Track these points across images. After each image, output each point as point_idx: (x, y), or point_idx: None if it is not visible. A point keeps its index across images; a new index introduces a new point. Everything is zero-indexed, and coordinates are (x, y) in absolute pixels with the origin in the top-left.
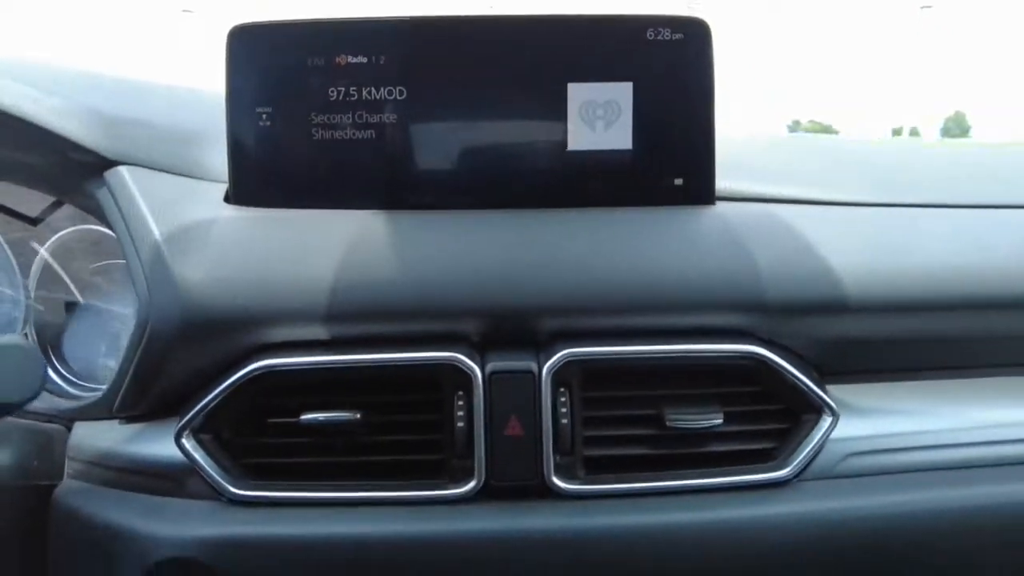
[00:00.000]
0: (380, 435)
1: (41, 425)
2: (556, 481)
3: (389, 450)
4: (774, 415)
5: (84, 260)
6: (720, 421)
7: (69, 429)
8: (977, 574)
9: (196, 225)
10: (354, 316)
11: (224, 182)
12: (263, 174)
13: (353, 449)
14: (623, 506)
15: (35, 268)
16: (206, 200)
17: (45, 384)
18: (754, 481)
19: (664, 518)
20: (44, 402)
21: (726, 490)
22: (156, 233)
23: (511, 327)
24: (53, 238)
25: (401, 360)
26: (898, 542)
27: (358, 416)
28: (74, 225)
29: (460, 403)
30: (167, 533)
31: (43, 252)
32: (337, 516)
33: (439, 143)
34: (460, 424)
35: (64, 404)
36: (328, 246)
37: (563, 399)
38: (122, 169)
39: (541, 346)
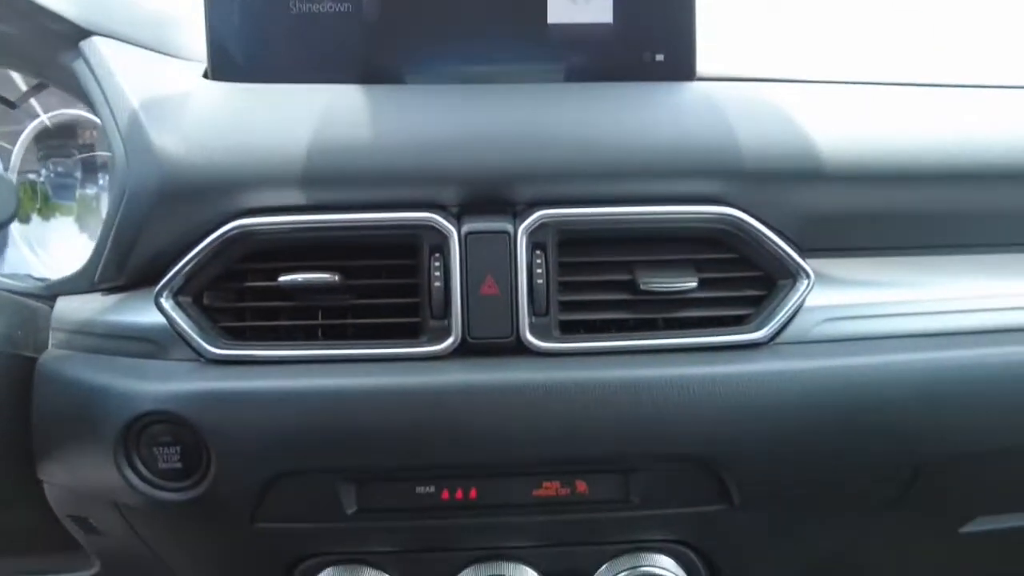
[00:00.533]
0: (358, 298)
1: (25, 300)
2: (531, 339)
3: (367, 313)
4: (750, 282)
5: (64, 147)
6: (694, 285)
7: (51, 306)
8: (947, 434)
9: (174, 95)
10: (331, 181)
11: (201, 62)
12: (241, 48)
13: (331, 313)
14: (596, 362)
15: (16, 150)
16: (184, 74)
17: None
18: (729, 342)
19: (637, 372)
20: (26, 283)
21: (700, 351)
22: (133, 100)
23: (487, 194)
24: (33, 122)
25: (378, 221)
26: (872, 401)
27: (336, 278)
28: (57, 110)
29: (436, 264)
30: (146, 389)
31: (25, 134)
32: (316, 371)
33: (417, 17)
34: (437, 284)
35: (45, 283)
36: (306, 115)
37: (539, 261)
38: (97, 40)
39: (518, 212)
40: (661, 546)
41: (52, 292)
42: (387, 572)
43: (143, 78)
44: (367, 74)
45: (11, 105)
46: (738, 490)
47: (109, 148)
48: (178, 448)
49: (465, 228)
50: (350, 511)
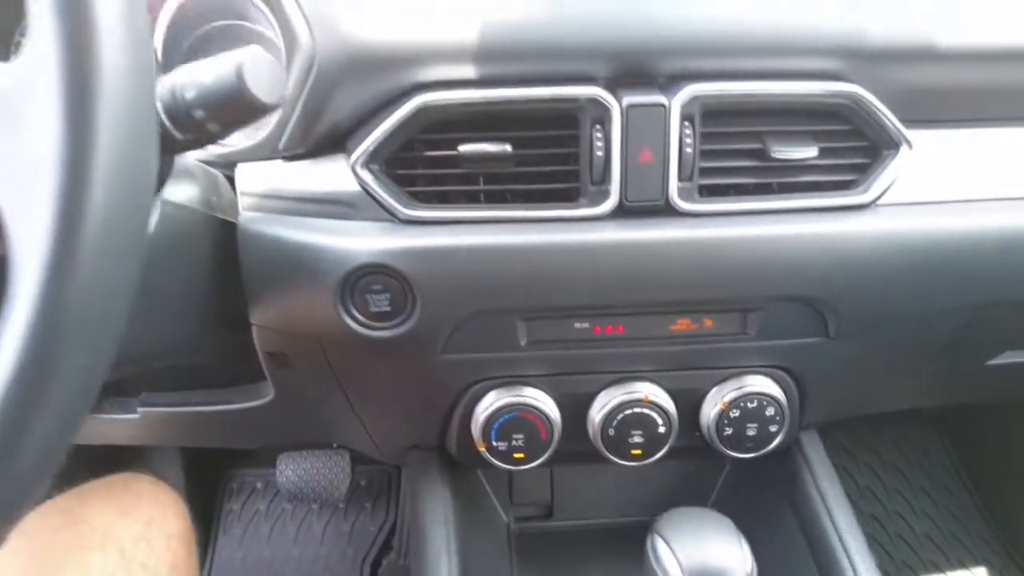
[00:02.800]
0: (518, 166)
1: (209, 168)
2: (679, 202)
3: (529, 179)
4: (859, 151)
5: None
6: (815, 153)
7: (229, 174)
8: (1002, 283)
9: None
10: (500, 56)
11: None
12: None
13: (500, 178)
14: (730, 221)
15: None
16: None
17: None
18: (839, 204)
19: (764, 230)
20: (205, 152)
21: (818, 211)
22: None
23: (635, 67)
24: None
25: (547, 96)
26: (950, 255)
27: (508, 148)
28: None
29: (598, 134)
30: (360, 246)
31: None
32: (498, 230)
33: None
34: (599, 153)
35: (224, 149)
36: None
37: (687, 131)
38: None
39: (664, 85)
40: (763, 370)
41: (231, 160)
42: (542, 390)
43: None
44: None
45: None
46: (835, 324)
47: (281, 24)
48: (387, 295)
49: (626, 101)
50: (523, 343)
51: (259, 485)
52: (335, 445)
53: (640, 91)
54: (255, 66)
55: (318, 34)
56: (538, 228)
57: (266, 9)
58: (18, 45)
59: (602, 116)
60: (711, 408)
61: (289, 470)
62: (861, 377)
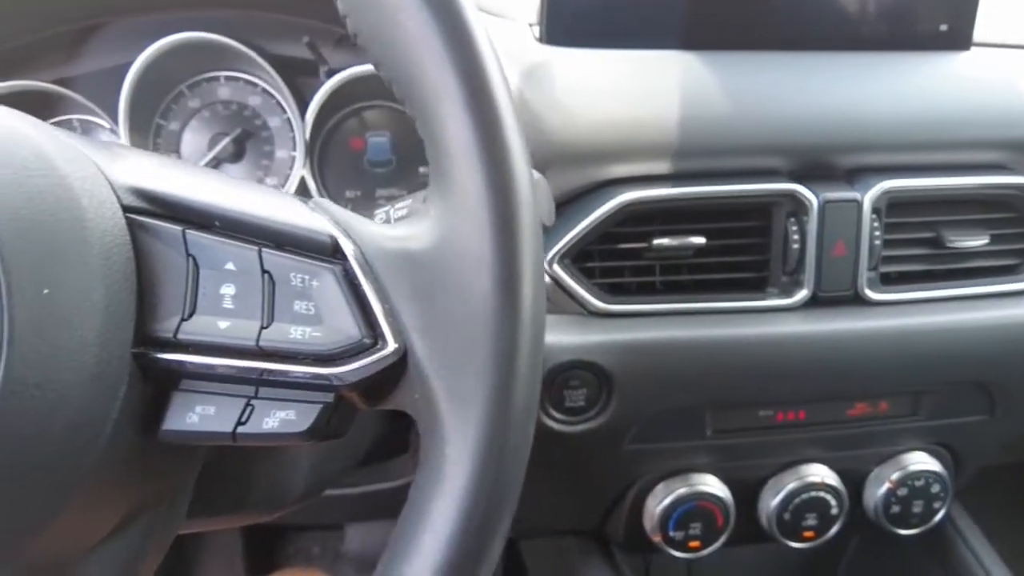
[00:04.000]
0: (707, 256)
1: None
2: (868, 292)
3: (715, 269)
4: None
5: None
6: (987, 241)
7: None
8: None
9: (525, 60)
10: (693, 152)
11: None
12: (577, 13)
13: (679, 269)
14: (915, 309)
15: (313, 108)
16: (521, 38)
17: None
18: (1013, 290)
19: (947, 318)
20: None
21: (989, 297)
22: (512, 74)
23: (821, 162)
24: (333, 78)
25: (746, 191)
26: None
27: (702, 240)
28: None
29: (794, 227)
30: (563, 341)
31: (323, 90)
32: (692, 322)
33: None
34: (795, 245)
35: None
36: (661, 86)
37: (875, 224)
38: None
39: (847, 179)
40: (925, 448)
41: None
42: (718, 477)
43: (502, 50)
44: (690, 40)
45: (323, 61)
46: (1004, 405)
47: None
48: (584, 390)
49: (822, 197)
50: (709, 432)
51: (316, 550)
52: None
53: (833, 186)
54: (539, 190)
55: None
56: (732, 320)
57: None
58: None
59: (797, 209)
60: (877, 488)
61: (358, 538)
62: (1015, 451)
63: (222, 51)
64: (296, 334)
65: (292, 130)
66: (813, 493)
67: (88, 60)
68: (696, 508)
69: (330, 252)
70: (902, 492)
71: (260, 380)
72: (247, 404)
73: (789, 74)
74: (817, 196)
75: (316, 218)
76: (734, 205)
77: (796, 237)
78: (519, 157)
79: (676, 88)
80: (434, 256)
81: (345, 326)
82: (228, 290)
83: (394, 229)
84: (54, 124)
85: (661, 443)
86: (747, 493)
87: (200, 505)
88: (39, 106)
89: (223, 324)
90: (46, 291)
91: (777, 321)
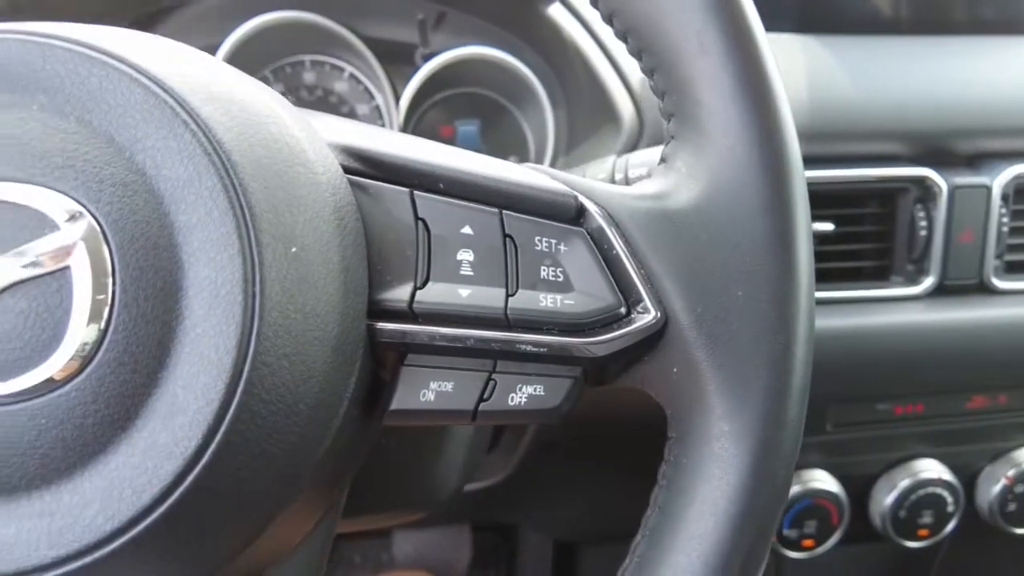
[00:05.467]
0: (838, 244)
1: None
2: (995, 281)
3: (843, 258)
4: None
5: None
6: None
7: None
8: None
9: None
10: (815, 136)
11: None
12: None
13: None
14: None
15: (407, 95)
16: None
17: None
18: None
19: None
20: None
21: None
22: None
23: (943, 147)
24: (431, 63)
25: (878, 176)
26: None
27: (831, 226)
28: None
29: (921, 214)
30: None
31: (419, 76)
32: (821, 312)
33: None
34: (923, 232)
35: None
36: (784, 69)
37: (1003, 210)
38: None
39: (972, 164)
40: None
41: None
42: (831, 474)
43: None
44: (811, 23)
45: (426, 42)
46: None
47: (611, 102)
48: None
49: (952, 182)
50: (828, 427)
51: (357, 559)
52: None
53: (960, 172)
54: None
55: (647, 114)
56: (855, 310)
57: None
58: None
59: (925, 195)
60: (991, 485)
61: (408, 544)
62: None
63: (311, 33)
64: (546, 302)
65: (381, 117)
66: (929, 489)
67: (177, 39)
68: (812, 505)
69: (575, 215)
70: (1020, 489)
71: (501, 352)
72: (488, 378)
73: (912, 58)
74: (947, 181)
75: (552, 180)
76: (859, 191)
77: (924, 224)
78: (785, 105)
79: (800, 71)
80: (697, 213)
81: (598, 293)
82: (466, 255)
83: (640, 188)
84: None
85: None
86: (858, 490)
87: (350, 503)
88: None
89: (464, 292)
90: (294, 249)
91: (901, 310)
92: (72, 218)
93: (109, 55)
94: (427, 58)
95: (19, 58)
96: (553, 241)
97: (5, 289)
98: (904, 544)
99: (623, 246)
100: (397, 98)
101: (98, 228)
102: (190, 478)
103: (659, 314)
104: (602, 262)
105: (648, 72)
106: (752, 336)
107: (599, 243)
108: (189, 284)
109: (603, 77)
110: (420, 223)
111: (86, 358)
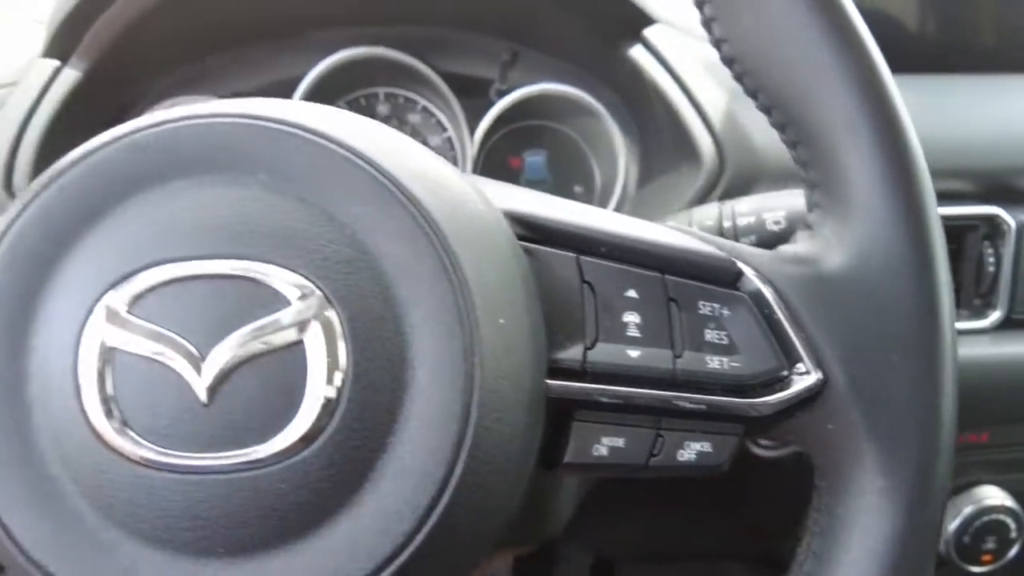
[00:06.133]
0: None
1: None
2: None
3: None
4: None
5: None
6: None
7: None
8: None
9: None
10: None
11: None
12: None
13: None
14: None
15: (480, 131)
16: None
17: None
18: None
19: None
20: None
21: None
22: (714, 88)
23: (1010, 184)
24: (505, 99)
25: (950, 215)
26: None
27: None
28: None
29: (990, 250)
30: None
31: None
32: None
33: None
34: (991, 268)
35: None
36: None
37: None
38: (660, 26)
39: None
40: None
41: None
42: None
43: (704, 65)
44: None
45: (504, 79)
46: None
47: (687, 134)
48: None
49: (1021, 220)
50: None
51: None
52: None
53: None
54: None
55: (728, 147)
56: None
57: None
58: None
59: (993, 232)
60: None
61: None
62: None
63: (388, 68)
64: (713, 364)
65: (453, 148)
66: (993, 516)
67: (258, 75)
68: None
69: (733, 279)
70: None
71: (667, 410)
72: (657, 435)
73: (979, 96)
74: (1015, 219)
75: (704, 243)
76: None
77: (992, 260)
78: (928, 182)
79: None
80: (849, 279)
81: (762, 355)
82: (632, 318)
83: (787, 252)
84: None
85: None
86: None
87: None
88: None
89: (633, 353)
90: (501, 320)
91: (968, 343)
92: (303, 295)
93: (324, 136)
94: (501, 93)
95: (241, 139)
96: (716, 305)
97: (245, 362)
98: (968, 569)
99: (782, 309)
100: (471, 131)
101: (327, 303)
102: (418, 538)
103: (820, 376)
104: (764, 325)
105: (791, 144)
106: (906, 397)
107: (760, 306)
108: (413, 355)
109: (684, 117)
110: (586, 286)
111: (322, 426)
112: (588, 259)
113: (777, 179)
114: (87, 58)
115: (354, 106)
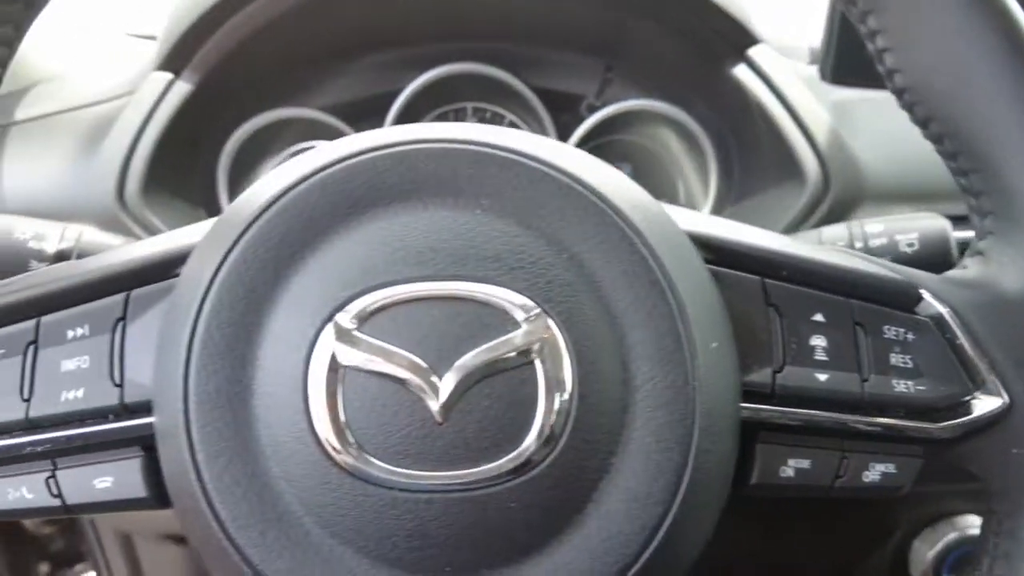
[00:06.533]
0: None
1: None
2: None
3: None
4: None
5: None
6: None
7: None
8: None
9: (844, 101)
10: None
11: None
12: (861, 54)
13: None
14: None
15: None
16: (812, 76)
17: None
18: None
19: None
20: None
21: None
22: (815, 108)
23: None
24: (596, 115)
25: None
26: None
27: None
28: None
29: None
30: None
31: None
32: None
33: None
34: None
35: None
36: None
37: None
38: (762, 47)
39: None
40: None
41: None
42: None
43: (807, 84)
44: None
45: (599, 95)
46: None
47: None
48: None
49: None
50: None
51: None
52: None
53: None
54: None
55: (832, 166)
56: None
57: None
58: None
59: None
60: None
61: None
62: None
63: (476, 82)
64: (900, 387)
65: None
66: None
67: (353, 89)
68: (972, 552)
69: (914, 303)
70: None
71: (850, 432)
72: (842, 457)
73: None
74: None
75: (883, 268)
76: None
77: None
78: None
79: None
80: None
81: (948, 379)
82: (819, 341)
83: (962, 276)
84: None
85: (941, 484)
86: None
87: None
88: (299, 135)
89: (821, 376)
90: (714, 344)
91: None
92: (530, 317)
93: (544, 163)
94: (593, 109)
95: (466, 165)
96: (901, 329)
97: (478, 381)
98: None
99: (965, 334)
100: None
101: (553, 325)
102: (642, 560)
103: (1006, 399)
104: (948, 350)
105: (960, 172)
106: None
107: (942, 331)
108: (634, 377)
109: (788, 136)
110: (772, 309)
111: (552, 446)
112: (773, 282)
113: (881, 200)
114: (199, 72)
115: (442, 120)
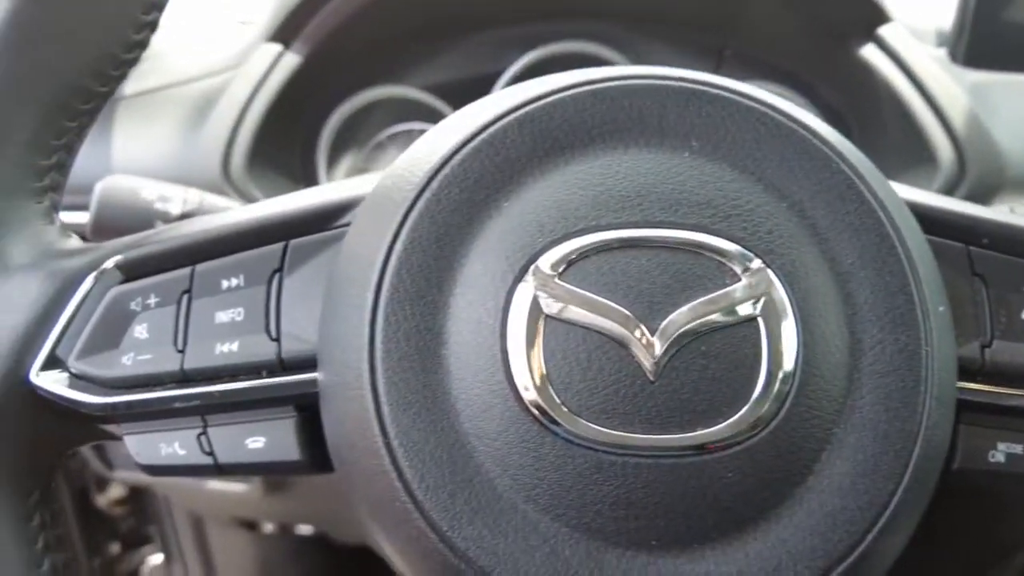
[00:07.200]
0: None
1: None
2: None
3: None
4: None
5: None
6: None
7: None
8: None
9: (980, 84)
10: None
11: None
12: (996, 37)
13: None
14: None
15: None
16: (943, 58)
17: None
18: None
19: None
20: None
21: None
22: (957, 91)
23: None
24: None
25: None
26: None
27: None
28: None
29: None
30: None
31: None
32: None
33: None
34: None
35: None
36: None
37: None
38: (895, 25)
39: None
40: None
41: None
42: None
43: (941, 65)
44: None
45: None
46: None
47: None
48: None
49: None
50: None
51: None
52: None
53: None
54: None
55: (970, 154)
56: None
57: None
58: None
59: None
60: None
61: None
62: None
63: (582, 63)
64: None
65: None
66: None
67: (452, 68)
68: None
69: None
70: None
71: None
72: None
73: None
74: None
75: None
76: None
77: None
78: None
79: None
80: None
81: None
82: None
83: None
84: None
85: None
86: None
87: None
88: (393, 115)
89: None
90: (941, 308)
91: None
92: (750, 269)
93: (763, 104)
94: None
95: (672, 105)
96: None
97: (697, 337)
98: None
99: None
100: None
101: (776, 279)
102: (866, 541)
103: None
104: None
105: None
106: None
107: None
108: (860, 339)
109: (920, 119)
110: (977, 279)
111: (775, 411)
112: (978, 250)
113: (1020, 189)
114: (308, 44)
115: None
